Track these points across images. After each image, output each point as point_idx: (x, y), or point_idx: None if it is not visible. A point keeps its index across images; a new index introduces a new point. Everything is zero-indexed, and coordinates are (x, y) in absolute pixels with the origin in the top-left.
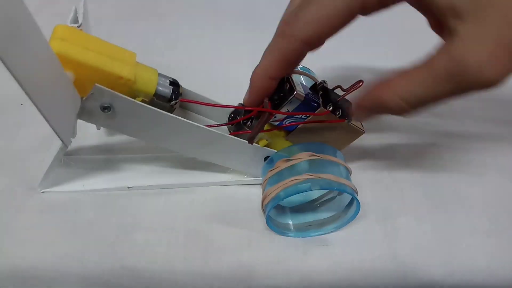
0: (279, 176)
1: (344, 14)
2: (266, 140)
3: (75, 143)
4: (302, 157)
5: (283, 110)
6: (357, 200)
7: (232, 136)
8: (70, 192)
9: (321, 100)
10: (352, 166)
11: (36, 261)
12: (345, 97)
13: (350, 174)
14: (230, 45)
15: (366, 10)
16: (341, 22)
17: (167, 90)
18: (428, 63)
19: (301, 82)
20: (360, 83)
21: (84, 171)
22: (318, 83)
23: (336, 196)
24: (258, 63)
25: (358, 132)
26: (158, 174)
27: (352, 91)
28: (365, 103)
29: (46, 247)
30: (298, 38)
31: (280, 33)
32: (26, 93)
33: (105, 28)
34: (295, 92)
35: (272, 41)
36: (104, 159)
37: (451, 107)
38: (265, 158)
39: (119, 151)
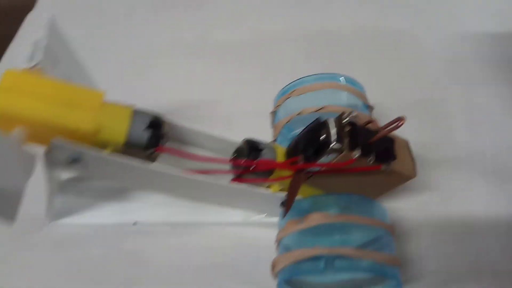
0: (289, 240)
1: None
2: (279, 185)
3: None
4: (316, 219)
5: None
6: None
7: (230, 185)
8: (78, 225)
9: (347, 139)
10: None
11: None
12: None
13: (393, 236)
14: (237, 80)
15: None
16: None
17: (143, 136)
18: None
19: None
20: (401, 122)
21: (92, 200)
22: (344, 115)
23: None
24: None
25: (406, 177)
26: (168, 208)
27: (389, 132)
28: None
29: None
30: None
31: None
32: None
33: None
34: (331, 146)
35: None
36: (113, 188)
37: None
38: (283, 203)
39: None
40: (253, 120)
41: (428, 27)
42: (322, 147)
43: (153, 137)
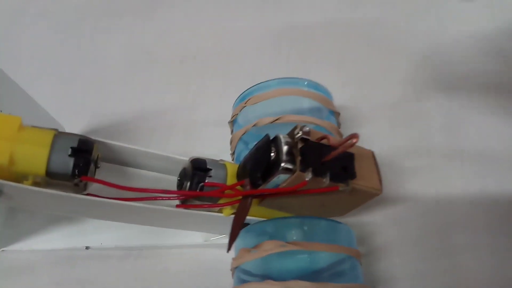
0: (241, 272)
1: None
2: (231, 208)
3: None
4: (269, 248)
5: (270, 186)
6: None
7: (176, 210)
8: (28, 251)
9: (299, 158)
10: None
11: None
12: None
13: (361, 263)
14: (198, 85)
15: None
16: None
17: (67, 163)
18: None
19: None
20: (355, 140)
21: (42, 225)
22: (296, 130)
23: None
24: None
25: (370, 195)
26: (122, 231)
27: (343, 150)
28: None
29: None
30: None
31: None
32: None
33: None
34: (281, 165)
35: None
36: None
37: None
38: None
39: None
40: (215, 128)
41: (403, 16)
42: (272, 167)
43: (79, 165)
